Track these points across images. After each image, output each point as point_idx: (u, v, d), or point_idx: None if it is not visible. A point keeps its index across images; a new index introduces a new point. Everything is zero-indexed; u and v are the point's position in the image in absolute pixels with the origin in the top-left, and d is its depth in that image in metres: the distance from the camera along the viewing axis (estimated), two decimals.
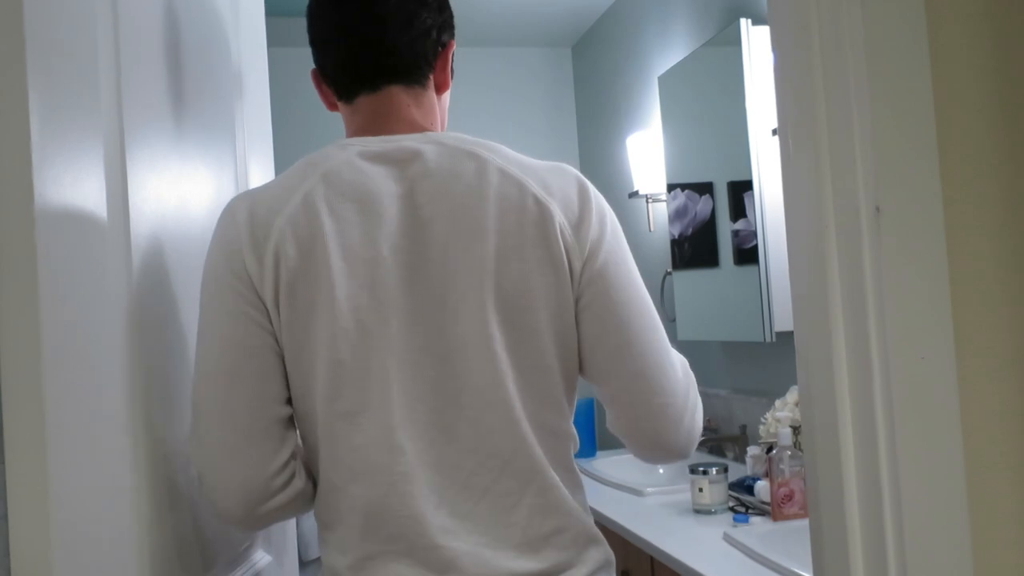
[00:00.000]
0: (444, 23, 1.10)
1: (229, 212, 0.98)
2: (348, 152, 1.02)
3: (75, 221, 0.77)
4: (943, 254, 0.76)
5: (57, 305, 0.72)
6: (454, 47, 1.12)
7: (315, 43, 1.08)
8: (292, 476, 0.99)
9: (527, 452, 1.00)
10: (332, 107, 1.14)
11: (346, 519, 0.98)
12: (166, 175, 0.99)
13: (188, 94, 1.07)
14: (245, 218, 0.97)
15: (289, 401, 0.99)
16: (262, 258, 0.95)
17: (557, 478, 1.02)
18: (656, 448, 1.10)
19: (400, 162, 1.01)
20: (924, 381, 0.75)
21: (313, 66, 1.10)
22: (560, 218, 1.02)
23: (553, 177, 1.07)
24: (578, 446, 1.09)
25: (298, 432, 1.02)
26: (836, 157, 0.78)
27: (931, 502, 0.76)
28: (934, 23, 0.77)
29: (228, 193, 1.18)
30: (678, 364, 1.12)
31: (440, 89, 1.11)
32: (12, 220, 0.69)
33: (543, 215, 1.01)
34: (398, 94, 1.06)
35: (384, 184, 1.00)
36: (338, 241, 0.96)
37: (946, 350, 0.76)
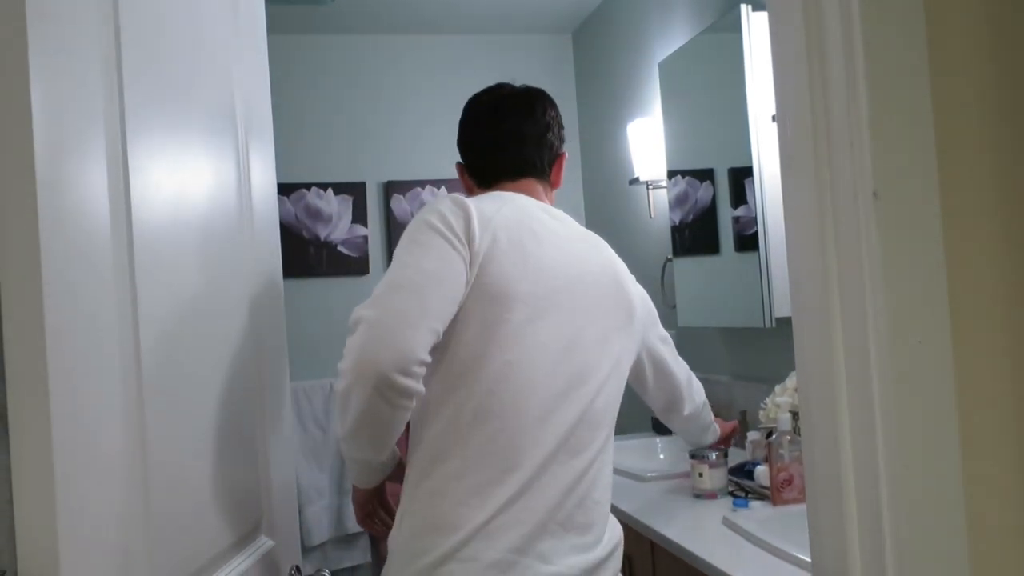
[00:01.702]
0: (561, 140, 1.58)
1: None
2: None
3: (77, 210, 0.77)
4: (940, 239, 0.76)
5: (60, 291, 0.73)
6: (566, 156, 1.60)
7: (470, 147, 1.55)
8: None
9: None
10: (469, 191, 1.55)
11: None
12: (167, 163, 0.99)
13: (188, 82, 1.07)
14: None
15: None
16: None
17: None
18: None
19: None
20: (921, 365, 0.76)
21: (459, 160, 1.58)
22: None
23: None
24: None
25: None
26: (833, 142, 0.78)
27: (927, 485, 0.76)
28: (932, 7, 0.77)
29: (229, 181, 1.18)
30: None
31: (553, 185, 1.58)
32: (15, 206, 0.70)
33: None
34: (532, 182, 1.53)
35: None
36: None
37: (943, 334, 0.76)
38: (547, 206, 1.49)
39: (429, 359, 1.22)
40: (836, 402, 0.80)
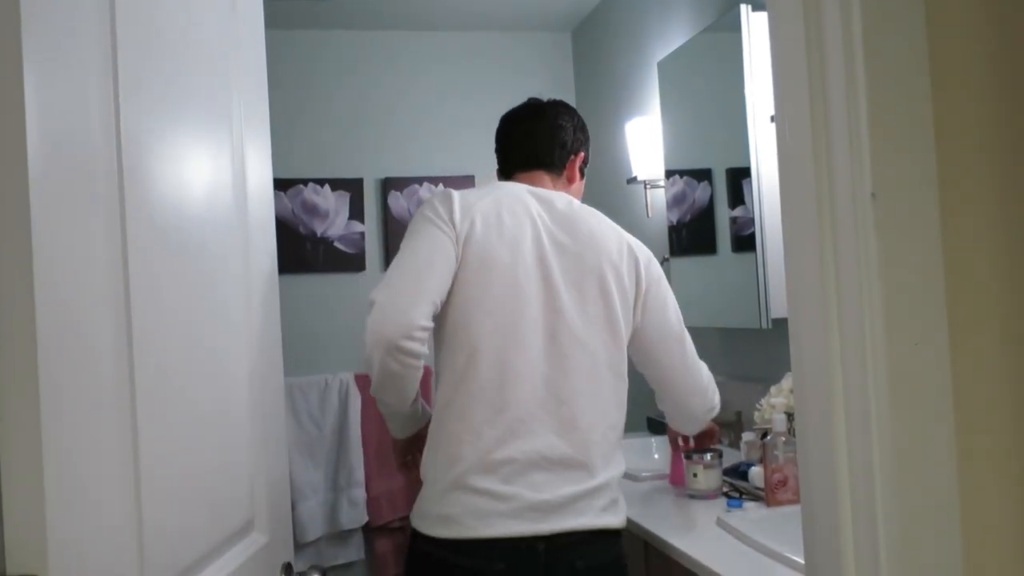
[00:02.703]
0: (576, 140, 1.84)
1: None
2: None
3: (71, 205, 0.77)
4: (938, 240, 0.76)
5: (52, 285, 0.72)
6: (583, 156, 1.85)
7: (497, 147, 1.84)
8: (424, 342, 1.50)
9: None
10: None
11: None
12: (163, 157, 0.99)
13: (185, 76, 1.07)
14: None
15: None
16: None
17: None
18: None
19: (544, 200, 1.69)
20: (918, 366, 0.76)
21: None
22: None
23: None
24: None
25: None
26: (832, 143, 0.78)
27: (922, 487, 0.76)
28: (932, 8, 0.77)
29: (225, 176, 1.18)
30: None
31: (569, 181, 1.82)
32: (8, 198, 0.69)
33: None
34: (541, 174, 1.77)
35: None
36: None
37: (940, 335, 0.76)
38: (544, 191, 1.70)
39: (430, 324, 1.51)
40: (832, 403, 0.80)
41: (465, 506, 1.49)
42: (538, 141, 1.79)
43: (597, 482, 1.56)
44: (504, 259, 1.57)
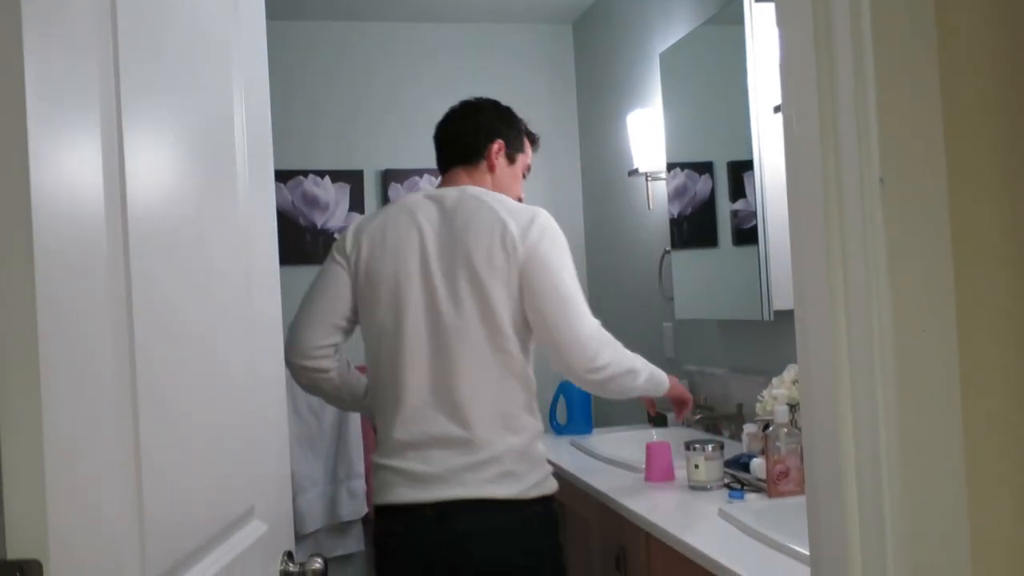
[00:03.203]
0: (492, 129, 1.98)
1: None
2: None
3: (71, 193, 0.76)
4: (946, 226, 0.75)
5: (53, 275, 0.72)
6: (501, 144, 1.98)
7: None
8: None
9: None
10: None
11: None
12: (163, 146, 0.98)
13: (186, 65, 1.06)
14: None
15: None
16: None
17: None
18: None
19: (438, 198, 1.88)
20: (925, 354, 0.75)
21: None
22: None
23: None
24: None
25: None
26: (840, 128, 0.77)
27: (930, 476, 0.76)
28: None
29: (225, 165, 1.17)
30: None
31: (490, 170, 1.97)
32: (8, 186, 0.69)
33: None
34: (458, 171, 1.96)
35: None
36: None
37: (948, 322, 0.76)
38: (443, 190, 1.90)
39: (329, 341, 1.88)
40: (838, 392, 0.79)
41: (380, 480, 1.83)
42: (453, 140, 1.99)
43: (483, 456, 1.75)
44: (387, 273, 1.82)
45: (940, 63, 0.76)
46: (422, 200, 1.89)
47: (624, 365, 1.84)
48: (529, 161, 2.09)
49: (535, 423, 1.84)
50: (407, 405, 1.80)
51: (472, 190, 1.88)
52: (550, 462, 1.91)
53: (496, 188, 1.95)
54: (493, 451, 1.76)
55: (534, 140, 2.11)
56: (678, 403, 2.15)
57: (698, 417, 2.61)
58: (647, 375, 1.92)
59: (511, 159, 2.01)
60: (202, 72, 1.11)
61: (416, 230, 1.83)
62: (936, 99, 0.75)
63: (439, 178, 2.02)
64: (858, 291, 0.77)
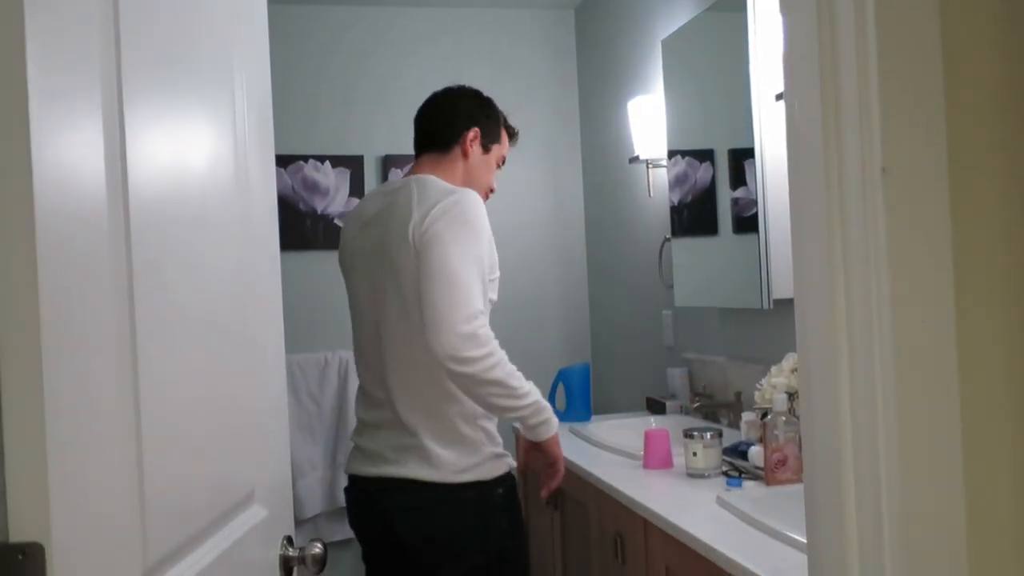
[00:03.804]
0: (470, 116, 2.00)
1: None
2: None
3: (73, 175, 0.76)
4: (947, 216, 0.75)
5: (54, 256, 0.72)
6: (477, 131, 2.00)
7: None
8: None
9: None
10: None
11: None
12: (165, 130, 0.98)
13: (186, 49, 1.06)
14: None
15: None
16: None
17: None
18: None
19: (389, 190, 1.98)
20: (924, 345, 0.75)
21: None
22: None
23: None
24: None
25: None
26: (842, 116, 0.77)
27: (927, 465, 0.76)
28: None
29: (227, 151, 1.17)
30: None
31: (464, 156, 1.99)
32: (9, 168, 0.68)
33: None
34: (424, 159, 2.01)
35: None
36: None
37: (947, 313, 0.76)
38: (393, 183, 1.97)
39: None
40: (837, 381, 0.79)
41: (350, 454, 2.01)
42: (427, 124, 2.02)
43: (414, 440, 1.82)
44: (347, 265, 2.00)
45: (944, 52, 0.76)
46: (377, 195, 2.00)
47: (497, 374, 1.71)
48: (505, 153, 2.08)
49: (465, 408, 1.81)
50: (363, 389, 1.97)
51: (415, 180, 1.90)
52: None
53: (467, 176, 1.98)
54: (422, 437, 1.82)
55: (513, 134, 2.11)
56: (549, 467, 1.91)
57: (697, 405, 2.62)
58: (531, 405, 1.78)
59: (486, 148, 2.02)
60: (203, 55, 1.11)
61: (360, 226, 1.96)
62: (939, 88, 0.75)
63: None
64: (858, 281, 0.77)
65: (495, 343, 1.74)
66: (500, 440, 1.90)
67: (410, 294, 1.79)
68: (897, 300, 0.75)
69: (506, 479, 1.88)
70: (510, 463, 1.90)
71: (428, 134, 2.01)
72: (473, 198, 1.82)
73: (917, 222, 0.75)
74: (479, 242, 1.78)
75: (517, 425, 1.96)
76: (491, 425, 1.88)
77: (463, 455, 1.83)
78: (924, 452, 0.76)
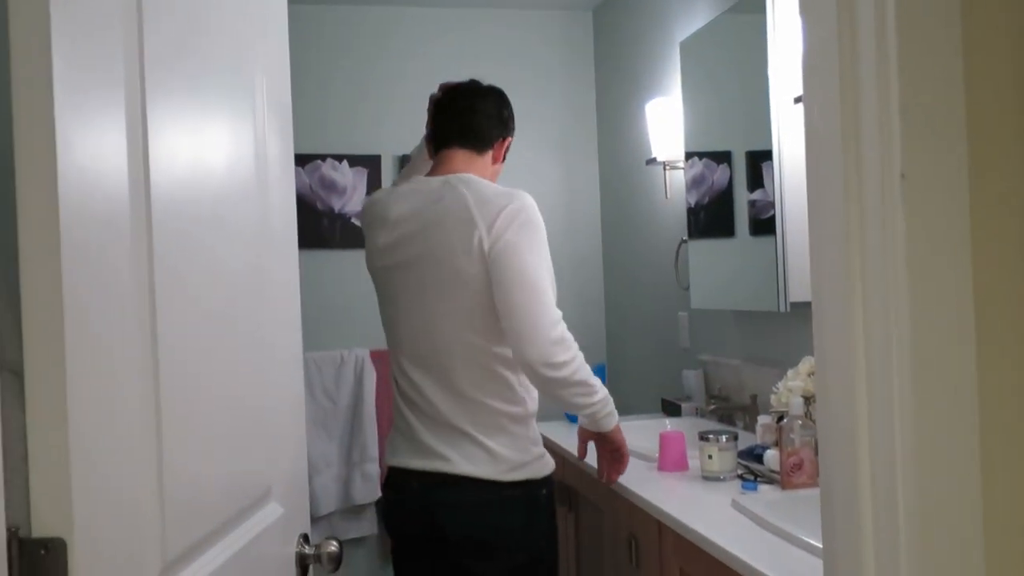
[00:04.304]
0: (509, 126, 2.02)
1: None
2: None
3: (96, 170, 0.77)
4: (967, 223, 0.75)
5: (78, 251, 0.72)
6: (510, 141, 2.03)
7: (432, 123, 2.00)
8: None
9: None
10: (430, 157, 2.02)
11: None
12: (186, 127, 0.99)
13: (209, 46, 1.06)
14: None
15: None
16: None
17: None
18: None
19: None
20: (943, 352, 0.75)
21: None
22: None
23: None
24: None
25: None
26: (862, 122, 0.77)
27: (944, 472, 0.76)
28: None
29: (247, 149, 1.18)
30: None
31: (494, 161, 2.00)
32: (34, 164, 0.69)
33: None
34: (458, 151, 1.95)
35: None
36: None
37: (966, 320, 0.75)
38: (422, 183, 1.92)
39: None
40: (854, 387, 0.79)
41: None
42: (464, 118, 1.95)
43: (466, 437, 1.83)
44: (386, 270, 1.95)
45: (964, 57, 0.75)
46: (403, 191, 1.94)
47: (582, 375, 1.81)
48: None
49: (516, 409, 1.86)
50: (409, 385, 1.93)
51: (459, 180, 1.86)
52: (550, 447, 1.93)
53: (492, 180, 1.97)
54: (472, 432, 1.83)
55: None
56: (614, 453, 1.99)
57: (712, 407, 2.61)
58: (603, 399, 1.87)
59: (504, 158, 2.04)
60: (225, 52, 1.12)
61: (393, 223, 1.91)
62: (960, 93, 0.75)
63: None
64: (876, 286, 0.77)
65: (575, 343, 1.80)
66: (542, 441, 1.95)
67: (475, 299, 1.79)
68: (915, 306, 0.75)
69: (550, 480, 1.92)
70: (552, 463, 1.93)
71: (466, 130, 1.95)
72: (531, 201, 1.83)
73: (936, 228, 0.75)
74: (545, 245, 1.82)
75: (581, 417, 1.97)
76: (536, 425, 1.92)
77: (516, 452, 1.84)
78: (942, 459, 0.76)
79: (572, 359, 1.78)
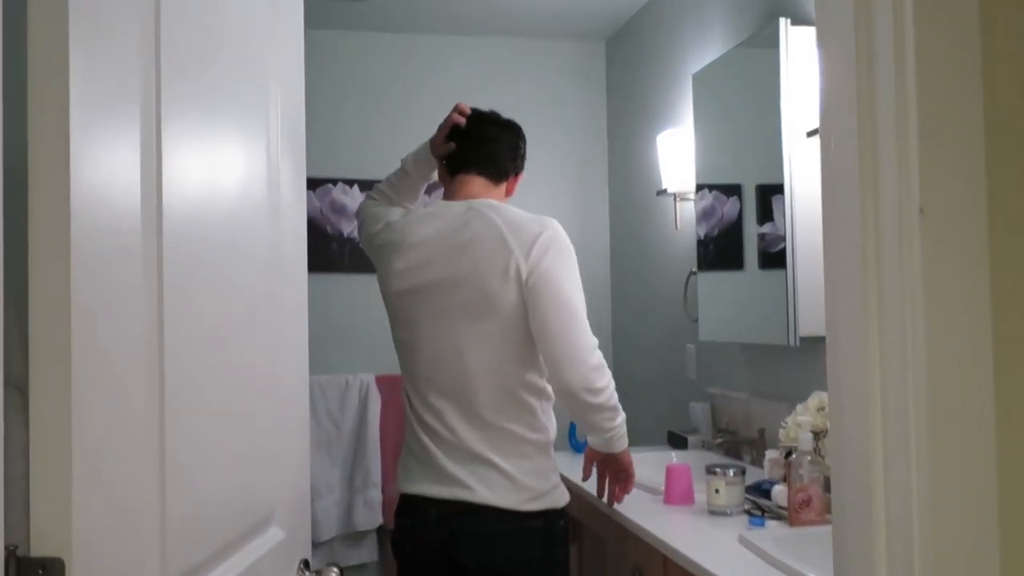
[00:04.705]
0: (523, 161, 2.05)
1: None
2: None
3: (109, 189, 0.77)
4: (985, 258, 0.74)
5: (87, 271, 0.72)
6: (520, 178, 2.05)
7: (459, 138, 1.97)
8: None
9: None
10: (442, 179, 2.04)
11: None
12: (200, 148, 0.99)
13: (225, 69, 1.07)
14: None
15: None
16: None
17: None
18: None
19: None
20: (961, 389, 0.74)
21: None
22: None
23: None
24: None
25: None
26: (879, 155, 0.76)
27: (962, 512, 0.74)
28: (987, 21, 0.75)
29: (259, 170, 1.17)
30: None
31: (507, 194, 2.02)
32: (47, 182, 0.69)
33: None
34: (477, 179, 1.96)
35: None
36: None
37: (984, 357, 0.74)
38: (443, 207, 1.91)
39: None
40: (869, 424, 0.78)
41: None
42: (501, 148, 1.98)
43: (488, 465, 1.81)
44: (406, 294, 1.91)
45: (984, 91, 0.75)
46: (420, 215, 1.94)
47: (615, 399, 1.85)
48: None
49: (540, 436, 1.86)
50: (427, 411, 1.90)
51: (487, 206, 1.86)
52: (564, 479, 1.91)
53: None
54: (495, 460, 1.81)
55: None
56: (620, 473, 2.00)
57: (719, 440, 2.59)
58: (623, 421, 1.90)
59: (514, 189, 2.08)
60: (241, 74, 1.12)
61: (410, 246, 1.89)
62: (979, 127, 0.74)
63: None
64: (893, 322, 0.76)
65: (608, 368, 1.83)
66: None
67: (506, 325, 1.79)
68: (933, 342, 0.74)
69: (566, 511, 1.91)
70: (567, 494, 1.92)
71: (488, 159, 1.96)
72: (560, 227, 1.85)
73: (954, 263, 0.74)
74: (577, 271, 1.85)
75: (593, 439, 1.96)
76: (554, 454, 1.92)
77: (537, 480, 1.83)
78: (959, 499, 0.74)
79: (608, 384, 1.81)
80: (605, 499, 2.04)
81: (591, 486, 2.14)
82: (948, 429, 0.74)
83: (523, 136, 2.05)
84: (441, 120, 2.05)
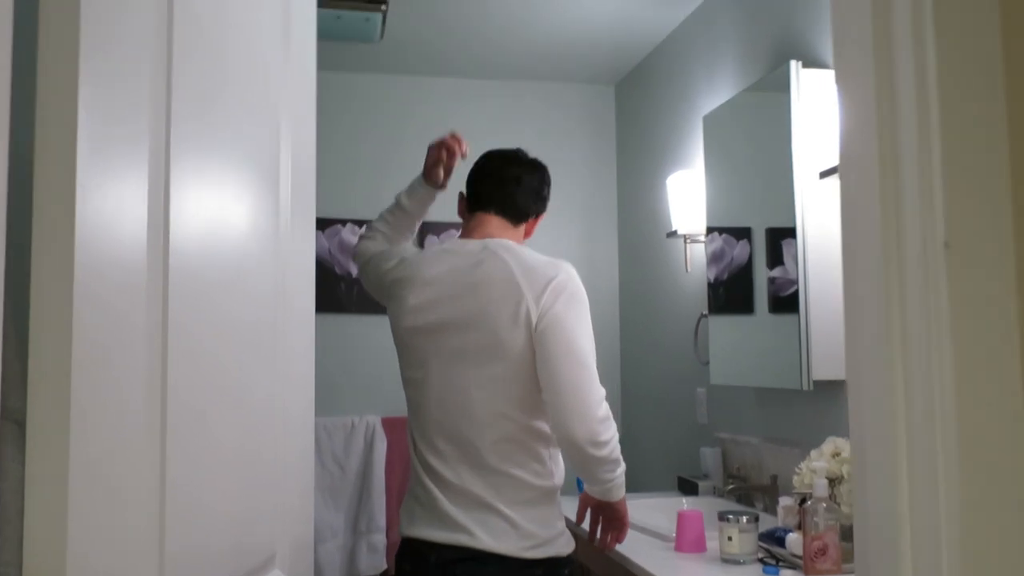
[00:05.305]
0: (543, 202, 2.01)
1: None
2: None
3: (115, 223, 0.76)
4: (1014, 294, 0.72)
5: (91, 305, 0.70)
6: (541, 218, 2.02)
7: (474, 184, 1.98)
8: None
9: None
10: (461, 214, 2.03)
11: None
12: (209, 185, 0.98)
13: (236, 107, 1.06)
14: None
15: None
16: None
17: None
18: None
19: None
20: (990, 431, 0.71)
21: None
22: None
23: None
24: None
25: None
26: (902, 190, 0.74)
27: (995, 564, 0.71)
28: (1011, 55, 0.74)
29: (268, 211, 1.16)
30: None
31: (526, 235, 1.99)
32: (53, 215, 0.68)
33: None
34: (496, 219, 1.94)
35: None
36: None
37: (1016, 401, 0.71)
38: (458, 245, 1.90)
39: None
40: (896, 475, 0.75)
41: None
42: (522, 190, 1.95)
43: (492, 510, 1.76)
44: (416, 332, 1.87)
45: (1008, 122, 0.73)
46: (437, 252, 1.91)
47: (617, 451, 1.80)
48: None
49: (547, 482, 1.81)
50: (431, 452, 1.87)
51: (501, 246, 1.84)
52: (572, 524, 1.87)
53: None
54: (499, 505, 1.76)
55: None
56: (616, 522, 1.94)
57: (731, 486, 2.54)
58: (622, 474, 1.85)
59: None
60: (251, 114, 1.12)
61: (422, 284, 1.86)
62: (1005, 158, 0.73)
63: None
64: (918, 362, 0.74)
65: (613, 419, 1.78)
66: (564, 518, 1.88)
67: (514, 369, 1.75)
68: (960, 382, 0.71)
69: (572, 559, 1.85)
70: (573, 542, 1.86)
71: (508, 200, 1.94)
72: (575, 272, 1.82)
73: (981, 299, 0.72)
74: (589, 317, 1.80)
75: (591, 487, 1.91)
76: (560, 501, 1.86)
77: (542, 527, 1.78)
78: (990, 550, 0.71)
79: (612, 436, 1.76)
80: (596, 543, 1.98)
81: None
82: (979, 480, 0.71)
83: (547, 178, 2.01)
84: (447, 161, 2.06)
